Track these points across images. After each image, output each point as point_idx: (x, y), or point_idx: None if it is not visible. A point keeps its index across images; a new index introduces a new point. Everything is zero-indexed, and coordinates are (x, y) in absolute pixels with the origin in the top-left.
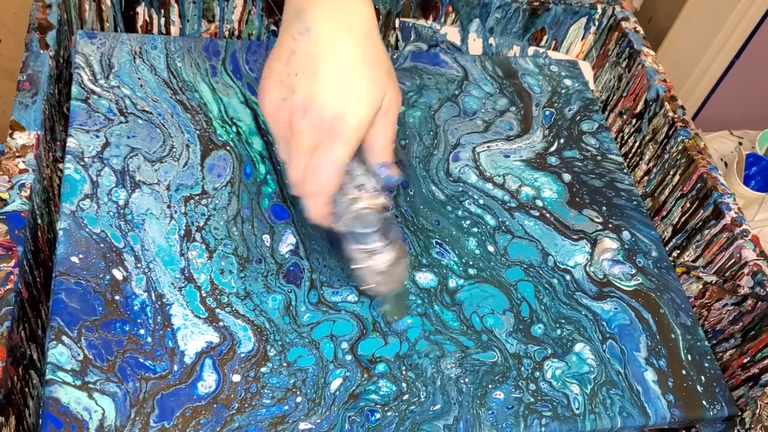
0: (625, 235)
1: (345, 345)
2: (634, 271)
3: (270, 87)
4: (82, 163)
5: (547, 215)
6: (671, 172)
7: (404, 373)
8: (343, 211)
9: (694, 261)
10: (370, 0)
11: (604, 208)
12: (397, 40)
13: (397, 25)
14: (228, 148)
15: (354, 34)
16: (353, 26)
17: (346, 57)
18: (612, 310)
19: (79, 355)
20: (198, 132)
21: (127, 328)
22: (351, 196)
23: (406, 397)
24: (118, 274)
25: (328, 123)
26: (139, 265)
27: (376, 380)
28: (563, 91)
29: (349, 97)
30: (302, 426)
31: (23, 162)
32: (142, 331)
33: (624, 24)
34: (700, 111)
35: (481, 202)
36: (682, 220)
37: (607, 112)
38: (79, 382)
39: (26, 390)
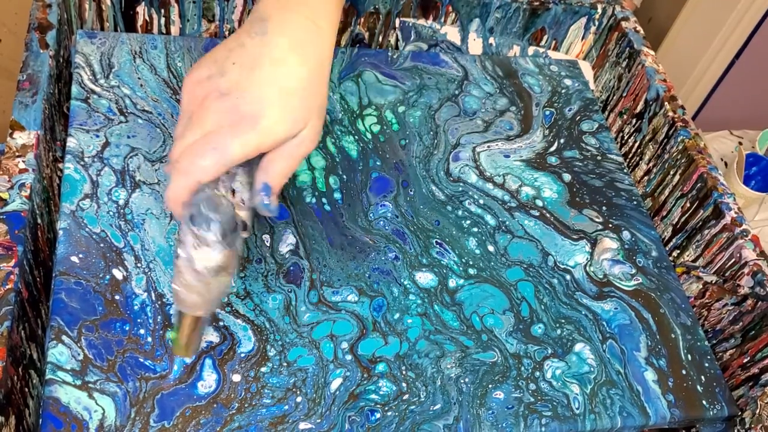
0: (625, 235)
1: (345, 345)
2: (634, 271)
3: (202, 63)
4: (82, 162)
5: (547, 215)
6: (671, 172)
7: (404, 372)
8: (197, 201)
9: (694, 261)
10: (334, 32)
11: (604, 208)
12: (397, 39)
13: (397, 25)
14: None
15: (306, 60)
16: (308, 53)
17: (288, 74)
18: (612, 310)
19: (79, 354)
20: None
21: (127, 328)
22: (217, 193)
23: (406, 396)
24: (118, 273)
25: (239, 116)
26: (139, 265)
27: (376, 380)
28: (563, 91)
29: (272, 106)
30: (302, 426)
31: (23, 162)
32: (142, 331)
33: (624, 24)
34: (700, 111)
35: (481, 202)
36: (682, 220)
37: (607, 112)
38: (79, 382)
39: (26, 390)
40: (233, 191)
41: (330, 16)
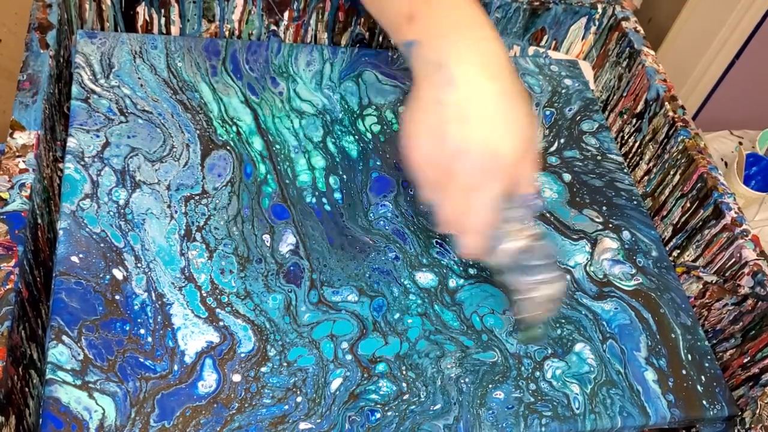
0: (625, 234)
1: (345, 345)
2: (634, 270)
3: (419, 136)
4: (82, 162)
5: (547, 215)
6: (671, 172)
7: (404, 372)
8: (498, 245)
9: (694, 261)
10: (501, 40)
11: (604, 207)
12: None
13: None
14: (228, 147)
15: (495, 78)
16: (493, 70)
17: (493, 100)
18: (612, 309)
19: (79, 354)
20: (198, 132)
21: (128, 328)
22: (506, 229)
23: (406, 396)
24: (118, 273)
25: (484, 163)
26: (139, 265)
27: (377, 380)
28: (563, 90)
29: (501, 137)
30: (302, 426)
31: (23, 162)
32: (142, 331)
33: (624, 24)
34: (701, 111)
35: None
36: (683, 219)
37: (607, 112)
38: (79, 382)
39: (26, 390)
40: (513, 219)
41: (482, 19)
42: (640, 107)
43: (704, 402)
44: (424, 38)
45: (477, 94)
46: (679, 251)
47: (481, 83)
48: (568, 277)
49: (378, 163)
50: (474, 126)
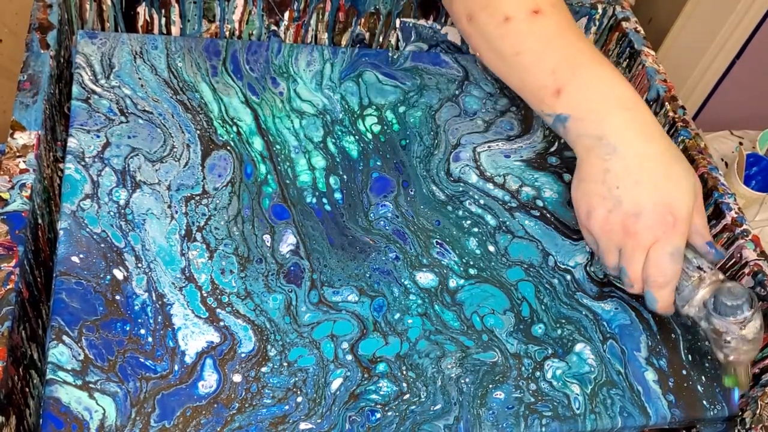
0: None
1: (345, 345)
2: None
3: (593, 204)
4: (82, 163)
5: (548, 215)
6: None
7: (405, 373)
8: (689, 295)
9: None
10: (645, 105)
11: None
12: (397, 40)
13: (397, 25)
14: (228, 148)
15: (653, 142)
16: (649, 135)
17: (655, 162)
18: (612, 310)
19: (79, 354)
20: (198, 132)
21: (128, 328)
22: (694, 278)
23: (406, 396)
24: (118, 273)
25: (661, 220)
26: (139, 265)
27: (377, 380)
28: None
29: (673, 192)
30: (303, 426)
31: (24, 162)
32: (142, 331)
33: (624, 24)
34: (701, 111)
35: (482, 202)
36: None
37: None
38: (79, 382)
39: (27, 390)
40: (698, 267)
41: (627, 89)
42: None
43: (704, 402)
44: (576, 113)
45: (640, 158)
46: None
47: (642, 148)
48: (569, 277)
49: (378, 163)
50: (644, 187)
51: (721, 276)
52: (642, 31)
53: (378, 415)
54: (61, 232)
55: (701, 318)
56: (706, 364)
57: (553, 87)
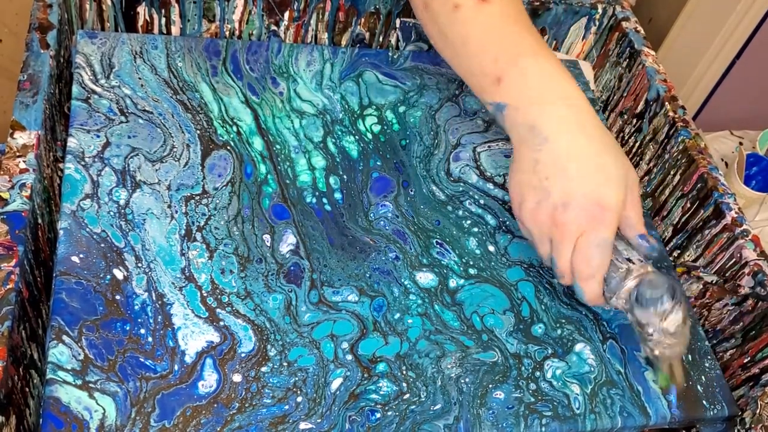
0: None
1: (345, 345)
2: None
3: (523, 195)
4: (82, 162)
5: None
6: (672, 172)
7: (405, 372)
8: (617, 287)
9: (694, 261)
10: (585, 96)
11: None
12: (397, 40)
13: (397, 25)
14: (228, 147)
15: (585, 130)
16: (584, 124)
17: (587, 151)
18: (612, 310)
19: (79, 354)
20: (198, 132)
21: (128, 328)
22: (622, 270)
23: (406, 396)
24: (118, 273)
25: (589, 211)
26: (139, 265)
27: (377, 380)
28: None
29: (602, 184)
30: (303, 426)
31: (24, 162)
32: (142, 331)
33: (624, 24)
34: (701, 111)
35: (482, 201)
36: (683, 220)
37: (607, 112)
38: (79, 382)
39: (27, 389)
40: (627, 260)
41: (567, 79)
42: (640, 107)
43: (704, 402)
44: (514, 102)
45: (571, 149)
46: (679, 251)
47: (574, 140)
48: None
49: (378, 163)
50: (573, 178)
51: (650, 268)
52: (642, 31)
53: (378, 415)
54: (61, 232)
55: (627, 310)
56: (707, 364)
57: (494, 75)
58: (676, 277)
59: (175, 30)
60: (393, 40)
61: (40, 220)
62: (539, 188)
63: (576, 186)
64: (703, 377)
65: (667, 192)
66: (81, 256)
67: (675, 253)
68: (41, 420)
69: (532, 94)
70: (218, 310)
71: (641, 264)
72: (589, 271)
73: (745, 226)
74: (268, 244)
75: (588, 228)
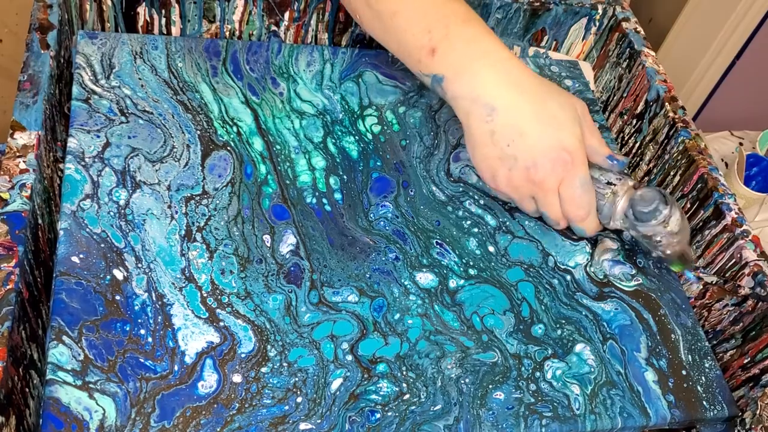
0: (626, 235)
1: (345, 345)
2: (634, 271)
3: (493, 168)
4: (82, 163)
5: None
6: (672, 173)
7: (405, 373)
8: (609, 211)
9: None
10: (515, 56)
11: None
12: None
13: None
14: (229, 148)
15: (523, 86)
16: (518, 81)
17: (533, 107)
18: (612, 310)
19: (79, 355)
20: (199, 132)
21: (128, 328)
22: (607, 195)
23: (406, 397)
24: (118, 274)
25: (558, 160)
26: (139, 265)
27: (377, 380)
28: None
29: (559, 130)
30: (303, 426)
31: (24, 162)
32: (142, 331)
33: (624, 24)
34: (701, 111)
35: (482, 202)
36: None
37: (607, 113)
38: (79, 382)
39: (27, 390)
40: (608, 183)
41: (497, 45)
42: (640, 108)
43: (704, 403)
44: (450, 73)
45: (518, 109)
46: None
47: (517, 99)
48: (568, 277)
49: (378, 164)
50: (531, 136)
51: (631, 182)
52: (642, 31)
53: (378, 416)
54: (61, 232)
55: (627, 228)
56: (707, 365)
57: (428, 46)
58: (659, 188)
59: (175, 30)
60: None
61: (40, 221)
62: (505, 156)
63: (537, 142)
64: (703, 378)
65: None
66: (81, 256)
67: None
68: (41, 420)
69: (465, 62)
70: (218, 310)
71: (621, 182)
72: (582, 212)
73: (745, 227)
74: (268, 245)
75: (564, 175)
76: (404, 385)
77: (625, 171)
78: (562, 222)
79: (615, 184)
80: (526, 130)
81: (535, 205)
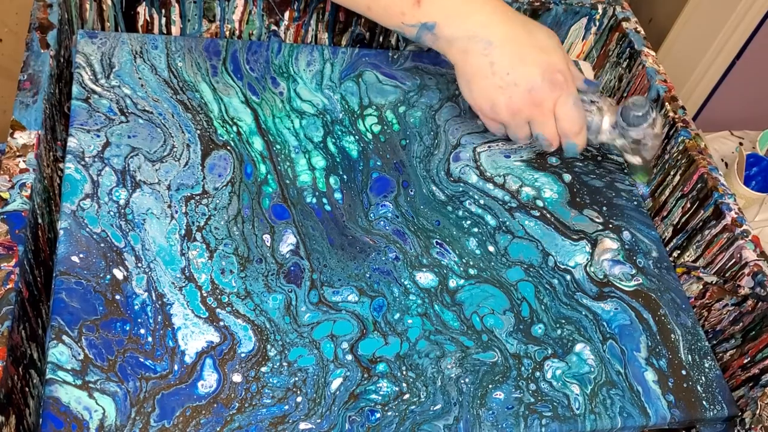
0: (626, 235)
1: (345, 345)
2: (634, 271)
3: (493, 97)
4: (82, 162)
5: (548, 215)
6: (672, 173)
7: (404, 373)
8: (597, 126)
9: (694, 261)
10: None
11: (604, 208)
12: (397, 40)
13: None
14: (228, 147)
15: (513, 20)
16: (508, 16)
17: (525, 36)
18: (612, 310)
19: (79, 354)
20: (199, 132)
21: (128, 328)
22: (594, 111)
23: (406, 397)
24: (118, 273)
25: (554, 82)
26: (139, 265)
27: (377, 380)
28: None
29: (550, 55)
30: (302, 426)
31: (24, 161)
32: (142, 331)
33: (624, 24)
34: (701, 111)
35: (482, 202)
36: (683, 220)
37: None
38: (79, 382)
39: (26, 389)
40: (591, 102)
41: None
42: None
43: (704, 402)
44: (441, 18)
45: (513, 41)
46: (679, 252)
47: (510, 31)
48: (568, 277)
49: (378, 164)
50: (528, 63)
51: (610, 99)
52: (642, 31)
53: (378, 415)
54: (61, 232)
55: (614, 138)
56: (706, 365)
57: None
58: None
59: (175, 30)
60: (393, 40)
61: (40, 220)
62: (506, 84)
63: (534, 68)
64: (703, 378)
65: (667, 192)
66: (81, 256)
67: (675, 254)
68: (41, 420)
69: (454, 6)
70: (218, 310)
71: (602, 100)
72: (577, 128)
73: (745, 227)
74: (268, 244)
75: (559, 94)
76: (404, 384)
77: (599, 92)
78: (555, 142)
79: (598, 101)
80: (525, 56)
81: (529, 131)
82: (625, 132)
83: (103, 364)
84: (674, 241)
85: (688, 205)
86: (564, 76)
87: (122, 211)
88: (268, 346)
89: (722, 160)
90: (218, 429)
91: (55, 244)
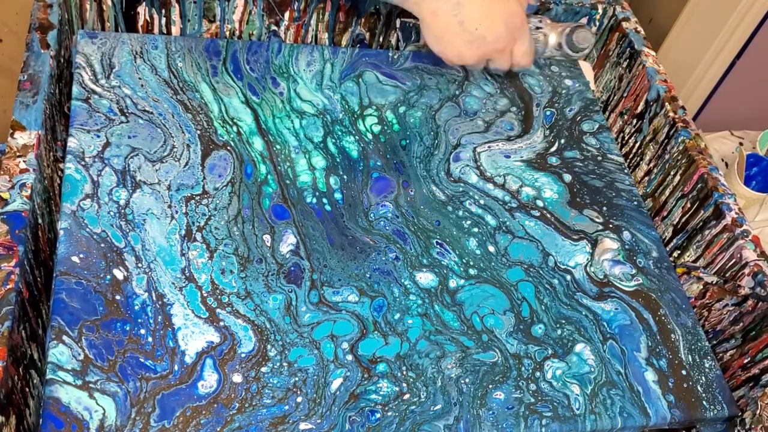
0: (626, 235)
1: (345, 345)
2: (634, 271)
3: (461, 50)
4: (82, 162)
5: (548, 215)
6: (672, 173)
7: (405, 373)
8: (543, 49)
9: (694, 261)
10: None
11: (604, 208)
12: (398, 40)
13: (397, 25)
14: (229, 148)
15: None
16: None
17: None
18: (612, 310)
19: (79, 354)
20: (199, 132)
21: (128, 328)
22: (540, 37)
23: (406, 397)
24: (118, 273)
25: (514, 27)
26: (139, 265)
27: (377, 380)
28: (564, 91)
29: (507, 4)
30: (303, 426)
31: (24, 162)
32: (142, 331)
33: (625, 24)
34: (701, 111)
35: (482, 202)
36: (683, 220)
37: (607, 113)
38: (79, 382)
39: (27, 390)
40: (536, 28)
41: None
42: (640, 108)
43: (704, 402)
44: None
45: (477, 1)
46: (679, 252)
47: None
48: (569, 277)
49: (378, 164)
50: (494, 16)
51: (549, 20)
52: (642, 31)
53: (378, 415)
54: (61, 232)
55: (555, 55)
56: (707, 365)
57: None
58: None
59: (175, 30)
60: (393, 41)
61: (40, 220)
62: (474, 39)
63: (498, 21)
64: (703, 378)
65: (667, 192)
66: (81, 256)
67: (675, 254)
68: (41, 420)
69: None
70: (218, 310)
71: (546, 24)
72: (528, 60)
73: (745, 227)
74: (268, 245)
75: (517, 37)
76: (404, 384)
77: (536, 11)
78: (506, 70)
79: (542, 28)
80: (490, 11)
81: (486, 64)
82: (567, 53)
83: (103, 365)
84: (674, 241)
85: (689, 205)
86: (520, 19)
87: (122, 211)
88: (269, 347)
89: (722, 160)
90: (218, 429)
91: (55, 244)
